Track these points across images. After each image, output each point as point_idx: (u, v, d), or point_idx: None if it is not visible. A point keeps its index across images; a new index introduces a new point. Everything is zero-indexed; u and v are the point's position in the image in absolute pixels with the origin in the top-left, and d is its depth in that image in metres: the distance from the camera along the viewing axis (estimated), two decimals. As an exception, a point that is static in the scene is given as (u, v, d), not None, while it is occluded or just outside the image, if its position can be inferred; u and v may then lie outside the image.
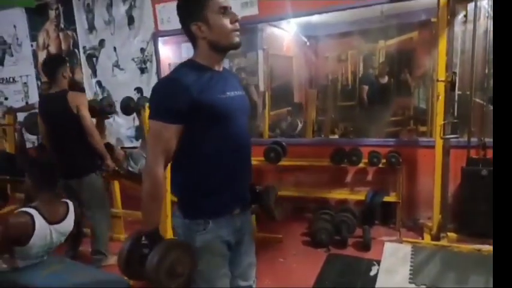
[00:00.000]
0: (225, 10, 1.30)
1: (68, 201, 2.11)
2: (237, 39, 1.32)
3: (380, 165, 3.35)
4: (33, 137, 4.70)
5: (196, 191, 1.35)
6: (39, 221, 1.90)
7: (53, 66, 2.71)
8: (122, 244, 1.29)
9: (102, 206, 2.83)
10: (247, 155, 1.44)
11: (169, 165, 1.36)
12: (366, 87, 4.66)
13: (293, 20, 4.12)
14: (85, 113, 2.60)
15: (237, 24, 1.32)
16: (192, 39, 1.34)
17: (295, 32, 4.70)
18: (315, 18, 3.98)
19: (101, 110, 3.15)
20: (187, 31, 1.33)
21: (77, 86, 4.96)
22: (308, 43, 4.99)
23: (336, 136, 4.64)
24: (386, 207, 3.43)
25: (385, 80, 4.68)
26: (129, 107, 3.34)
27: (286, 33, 4.76)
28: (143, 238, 1.26)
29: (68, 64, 2.82)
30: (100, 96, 4.85)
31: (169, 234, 2.09)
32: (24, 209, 1.94)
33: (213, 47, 1.32)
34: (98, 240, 2.82)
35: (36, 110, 4.63)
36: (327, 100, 5.21)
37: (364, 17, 4.12)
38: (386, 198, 3.38)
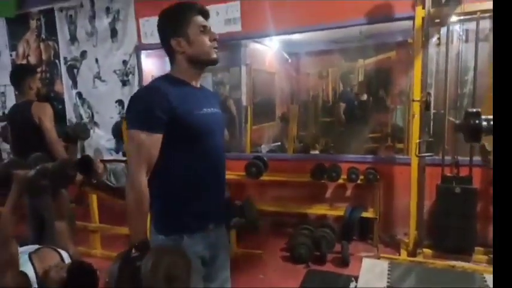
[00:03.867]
0: (204, 28, 1.34)
1: None
2: (215, 56, 1.37)
3: (358, 182, 3.41)
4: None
5: (170, 206, 1.36)
6: None
7: (19, 77, 2.67)
8: (110, 265, 1.23)
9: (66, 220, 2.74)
10: (221, 171, 1.46)
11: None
12: (343, 105, 4.77)
13: (275, 37, 4.20)
14: (47, 124, 2.53)
15: (215, 42, 1.36)
16: (170, 53, 1.37)
17: (277, 49, 4.80)
18: (297, 35, 4.08)
19: (74, 135, 3.08)
20: (166, 45, 1.36)
21: (58, 98, 4.91)
22: (290, 60, 5.10)
23: (317, 151, 4.71)
24: (365, 223, 3.48)
25: (364, 97, 4.80)
26: (119, 130, 3.33)
27: (269, 49, 4.85)
28: (133, 251, 1.22)
29: (36, 75, 2.78)
30: (80, 108, 4.81)
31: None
32: None
33: (191, 61, 1.35)
34: None
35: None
36: (308, 116, 5.31)
37: (344, 36, 4.26)
38: (364, 214, 3.43)
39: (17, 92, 2.76)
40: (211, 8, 4.13)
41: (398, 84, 4.66)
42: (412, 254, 3.04)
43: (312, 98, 5.44)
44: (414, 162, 3.00)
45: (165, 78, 1.37)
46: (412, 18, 3.01)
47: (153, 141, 1.26)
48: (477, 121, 1.50)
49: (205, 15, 1.37)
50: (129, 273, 1.19)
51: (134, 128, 1.27)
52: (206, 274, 1.44)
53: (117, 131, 3.30)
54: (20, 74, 2.70)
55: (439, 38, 3.24)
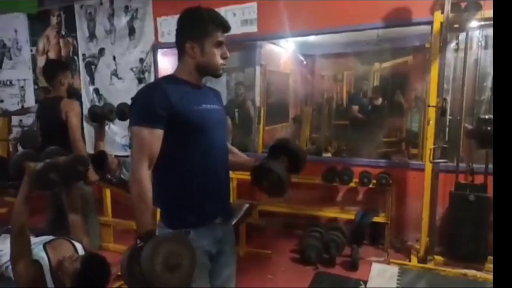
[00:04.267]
0: (220, 44, 1.39)
1: None
2: (220, 72, 1.43)
3: (370, 186, 3.39)
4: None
5: (176, 201, 1.39)
6: None
7: (52, 72, 2.71)
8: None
9: (90, 216, 2.78)
10: (224, 166, 1.49)
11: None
12: (356, 107, 4.74)
13: (291, 39, 4.20)
14: (74, 121, 2.57)
15: (226, 60, 1.42)
16: (181, 53, 1.41)
17: (293, 50, 4.80)
18: (313, 37, 4.08)
19: (102, 115, 3.15)
20: (179, 45, 1.40)
21: (76, 94, 5.00)
22: (305, 61, 5.10)
23: (329, 154, 4.69)
24: (376, 228, 3.46)
25: (379, 101, 4.77)
26: (124, 112, 3.36)
27: (284, 51, 4.86)
28: (138, 241, 1.26)
29: (68, 71, 2.81)
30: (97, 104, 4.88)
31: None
32: None
33: (198, 68, 1.40)
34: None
35: (31, 115, 4.68)
36: (322, 118, 5.29)
37: (361, 40, 4.24)
38: (375, 219, 3.41)
39: (49, 87, 2.79)
40: (228, 9, 4.19)
41: (414, 89, 4.61)
42: (423, 260, 3.01)
43: (326, 101, 5.42)
44: (428, 168, 2.97)
45: (167, 78, 1.44)
46: (430, 23, 2.98)
47: (154, 137, 1.31)
48: (489, 128, 1.51)
49: (226, 30, 1.41)
50: (136, 264, 1.21)
51: (136, 124, 1.32)
52: (211, 269, 1.47)
53: (121, 114, 3.31)
54: (52, 69, 2.74)
55: (457, 44, 3.20)
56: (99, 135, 3.05)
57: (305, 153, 1.57)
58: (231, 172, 1.58)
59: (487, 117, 1.89)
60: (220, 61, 1.40)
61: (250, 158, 1.60)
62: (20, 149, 4.38)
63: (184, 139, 1.35)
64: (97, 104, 4.84)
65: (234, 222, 2.68)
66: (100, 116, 3.09)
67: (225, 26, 1.40)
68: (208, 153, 1.40)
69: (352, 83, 5.31)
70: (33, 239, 1.95)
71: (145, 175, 1.30)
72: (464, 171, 3.04)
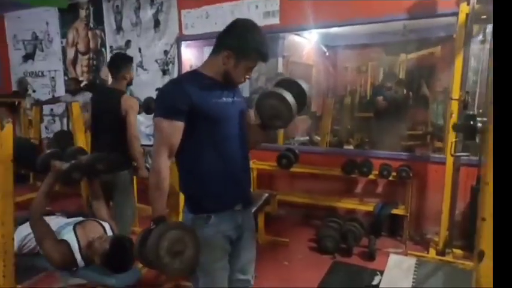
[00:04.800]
0: (252, 68, 1.49)
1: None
2: (239, 84, 1.53)
3: (390, 178, 3.39)
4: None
5: (199, 188, 1.48)
6: None
7: (118, 65, 2.74)
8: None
9: (128, 202, 2.84)
10: (244, 155, 1.57)
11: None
12: (380, 98, 4.69)
13: (314, 30, 4.20)
14: (132, 118, 2.63)
15: (247, 80, 1.52)
16: (216, 53, 1.47)
17: (316, 41, 4.77)
18: (336, 29, 4.05)
19: None
20: (219, 46, 1.46)
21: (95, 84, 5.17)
22: (328, 53, 5.06)
23: (351, 147, 4.68)
24: (395, 220, 3.47)
25: (403, 93, 4.69)
26: (149, 106, 3.49)
27: (307, 42, 4.84)
28: (151, 224, 1.37)
29: (132, 65, 2.82)
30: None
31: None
32: None
33: (224, 74, 1.47)
34: (122, 233, 2.88)
35: (61, 104, 4.88)
36: (344, 110, 5.26)
37: (387, 30, 4.17)
38: (394, 211, 3.41)
39: (112, 79, 2.79)
40: (251, 1, 4.22)
41: (441, 81, 4.51)
42: (442, 253, 3.00)
43: (349, 93, 5.37)
44: (449, 161, 2.95)
45: (190, 74, 1.53)
46: (456, 14, 2.93)
47: (174, 129, 1.40)
48: (472, 122, 1.73)
49: (264, 61, 1.49)
50: (146, 244, 1.32)
51: (158, 116, 1.42)
52: (232, 253, 1.55)
53: (147, 108, 3.40)
54: (118, 62, 2.77)
55: (484, 35, 3.13)
56: None
57: (308, 90, 1.61)
58: (251, 163, 1.65)
59: (471, 113, 2.15)
60: (243, 79, 1.50)
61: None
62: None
63: (205, 130, 1.43)
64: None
65: (253, 210, 2.76)
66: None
67: (265, 59, 1.48)
68: (228, 143, 1.48)
69: (376, 75, 5.24)
70: (65, 220, 2.10)
71: (164, 165, 1.40)
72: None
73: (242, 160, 1.56)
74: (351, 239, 3.14)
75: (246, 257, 1.62)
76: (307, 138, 4.95)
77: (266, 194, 3.23)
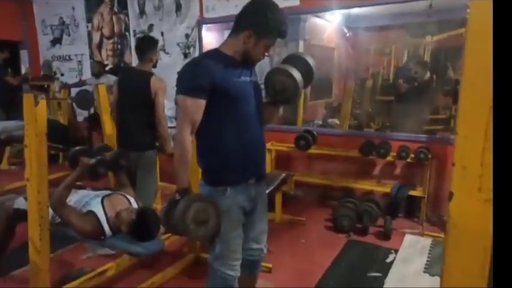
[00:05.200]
0: (270, 48, 1.55)
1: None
2: (257, 62, 1.60)
3: (408, 160, 3.40)
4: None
5: (218, 162, 1.57)
6: None
7: (144, 47, 2.83)
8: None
9: (152, 179, 2.97)
10: (259, 132, 1.65)
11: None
12: (401, 81, 4.61)
13: (337, 11, 4.16)
14: (161, 99, 2.73)
15: (266, 57, 1.58)
16: (236, 34, 1.53)
17: (338, 23, 4.70)
18: (358, 10, 3.98)
19: None
20: (238, 27, 1.53)
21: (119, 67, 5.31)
22: (351, 35, 4.98)
23: (372, 130, 4.65)
24: (412, 202, 3.49)
25: (427, 76, 4.59)
26: None
27: (329, 24, 4.77)
28: (177, 195, 1.48)
29: (157, 48, 2.88)
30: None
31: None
32: None
33: (244, 53, 1.54)
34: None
35: (87, 87, 5.07)
36: (365, 93, 5.20)
37: (412, 11, 4.06)
38: (412, 193, 3.43)
39: (138, 60, 2.88)
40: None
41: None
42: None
43: (371, 76, 5.30)
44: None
45: (211, 53, 1.59)
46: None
47: (197, 106, 1.48)
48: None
49: (282, 37, 1.55)
50: (173, 213, 1.45)
51: (181, 93, 1.50)
52: (246, 223, 1.66)
53: None
54: (144, 45, 2.86)
55: None
56: None
57: (314, 65, 1.71)
58: (270, 144, 1.73)
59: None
60: (262, 57, 1.56)
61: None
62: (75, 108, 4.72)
63: (224, 107, 1.51)
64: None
65: (270, 189, 2.85)
66: None
67: (284, 36, 1.54)
68: (245, 120, 1.57)
69: (400, 57, 5.14)
70: (94, 192, 2.24)
71: (187, 139, 1.49)
72: None
73: (258, 136, 1.65)
74: (366, 219, 3.19)
75: (259, 227, 1.73)
76: (327, 121, 4.95)
77: (283, 174, 3.31)
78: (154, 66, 2.90)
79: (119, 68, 5.37)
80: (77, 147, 2.47)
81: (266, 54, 1.56)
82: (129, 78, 2.92)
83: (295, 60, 1.67)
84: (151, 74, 2.81)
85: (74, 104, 5.12)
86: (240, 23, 1.52)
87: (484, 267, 0.78)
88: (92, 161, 2.18)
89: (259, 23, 1.48)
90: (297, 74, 1.57)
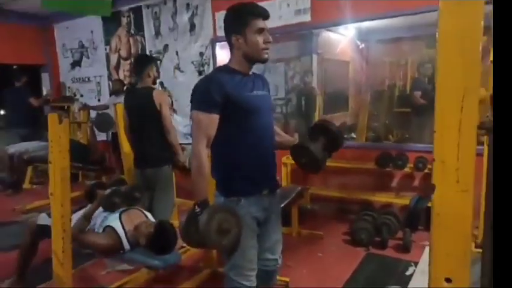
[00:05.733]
0: (261, 31, 1.55)
1: None
2: (265, 56, 1.58)
3: (426, 171, 3.36)
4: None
5: (230, 173, 1.61)
6: None
7: (141, 65, 2.92)
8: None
9: (169, 195, 3.00)
10: (271, 144, 1.68)
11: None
12: (419, 93, 4.59)
13: (350, 25, 4.20)
14: (166, 111, 2.81)
15: (268, 44, 1.57)
16: (230, 46, 1.61)
17: (351, 37, 4.73)
18: (372, 23, 4.00)
19: None
20: (228, 39, 1.60)
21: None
22: (365, 48, 4.99)
23: (390, 142, 4.61)
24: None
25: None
26: None
27: (342, 38, 4.81)
28: (196, 207, 1.51)
29: (154, 65, 2.98)
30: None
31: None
32: None
33: (245, 57, 1.58)
34: None
35: (107, 110, 5.20)
36: (383, 106, 5.18)
37: (426, 22, 4.07)
38: (431, 204, 3.36)
39: (137, 79, 2.99)
40: (282, 0, 4.28)
41: (486, 73, 4.34)
42: (481, 246, 2.93)
43: (388, 88, 5.28)
44: (486, 152, 2.88)
45: (222, 69, 1.64)
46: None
47: (211, 120, 1.52)
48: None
49: (264, 16, 1.56)
50: (193, 225, 1.48)
51: (196, 109, 1.54)
52: (260, 234, 1.68)
53: None
54: (141, 62, 2.97)
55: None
56: None
57: (341, 134, 1.72)
58: (285, 158, 1.76)
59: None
60: (263, 46, 1.55)
61: (293, 138, 1.80)
62: (95, 131, 4.86)
63: (237, 121, 1.56)
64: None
65: (285, 203, 2.85)
66: None
67: (262, 14, 1.55)
68: (258, 133, 1.60)
69: (416, 69, 5.11)
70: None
71: (203, 152, 1.53)
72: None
73: (270, 148, 1.68)
74: (385, 232, 3.14)
75: (274, 237, 1.74)
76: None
77: (298, 188, 3.31)
78: (154, 82, 2.96)
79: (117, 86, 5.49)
80: (94, 182, 2.59)
81: (266, 41, 1.55)
82: (133, 97, 2.99)
83: (319, 130, 1.67)
84: (153, 88, 2.88)
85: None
86: (227, 37, 1.59)
87: (465, 251, 0.87)
88: (107, 191, 2.28)
89: (234, 20, 1.55)
90: (317, 150, 1.59)
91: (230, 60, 1.63)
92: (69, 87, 6.47)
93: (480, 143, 3.85)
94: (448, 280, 0.89)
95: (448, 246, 0.89)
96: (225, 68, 1.63)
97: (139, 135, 2.90)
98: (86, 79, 6.29)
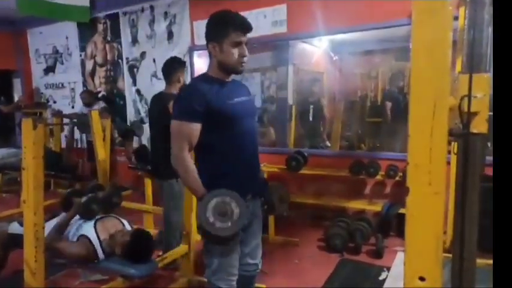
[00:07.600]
0: (238, 44, 1.57)
1: None
2: (240, 68, 1.61)
3: (397, 178, 3.48)
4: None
5: (215, 179, 1.62)
6: None
7: (172, 68, 2.79)
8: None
9: (175, 213, 2.80)
10: (254, 150, 1.72)
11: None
12: (390, 104, 4.76)
13: (324, 37, 4.32)
14: None
15: (244, 58, 1.59)
16: (209, 53, 1.64)
17: (325, 49, 4.87)
18: (345, 35, 4.14)
19: (127, 133, 3.44)
20: (207, 45, 1.63)
21: (119, 95, 5.39)
22: (337, 59, 5.15)
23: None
24: (403, 220, 3.50)
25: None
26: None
27: (317, 49, 4.95)
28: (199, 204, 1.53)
29: (185, 69, 2.87)
30: (138, 103, 5.27)
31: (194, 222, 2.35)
32: None
33: (219, 66, 1.61)
34: (169, 239, 2.85)
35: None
36: (354, 115, 5.33)
37: (395, 36, 4.24)
38: (402, 210, 3.48)
39: (166, 82, 2.84)
40: (259, 11, 4.36)
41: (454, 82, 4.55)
42: (449, 251, 3.05)
43: (360, 98, 5.45)
44: (453, 160, 3.02)
45: (201, 77, 1.67)
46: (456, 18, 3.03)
47: (192, 129, 1.55)
48: None
49: (245, 30, 1.58)
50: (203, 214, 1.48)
51: (177, 118, 1.57)
52: (242, 238, 1.69)
53: None
54: (172, 66, 2.84)
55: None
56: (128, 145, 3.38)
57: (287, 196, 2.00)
58: (262, 166, 1.81)
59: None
60: (237, 58, 1.57)
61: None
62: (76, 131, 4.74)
63: (220, 128, 1.58)
64: (138, 103, 5.25)
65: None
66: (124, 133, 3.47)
67: (243, 28, 1.57)
68: (241, 139, 1.64)
69: (386, 80, 5.30)
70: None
71: (187, 155, 1.56)
72: (490, 164, 3.05)
73: (253, 154, 1.72)
74: (359, 238, 3.22)
75: (254, 242, 1.78)
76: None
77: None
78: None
79: (110, 96, 5.43)
80: (71, 189, 2.54)
81: (242, 55, 1.56)
82: (153, 104, 2.91)
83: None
84: (174, 96, 2.65)
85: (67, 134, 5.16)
86: (207, 43, 1.61)
87: (437, 250, 0.92)
88: (84, 198, 2.24)
89: (213, 29, 1.58)
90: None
91: (209, 68, 1.66)
92: (42, 93, 6.32)
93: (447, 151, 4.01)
94: (421, 279, 0.94)
95: (422, 246, 0.94)
96: (204, 77, 1.66)
97: (153, 144, 2.84)
98: (60, 85, 6.17)
